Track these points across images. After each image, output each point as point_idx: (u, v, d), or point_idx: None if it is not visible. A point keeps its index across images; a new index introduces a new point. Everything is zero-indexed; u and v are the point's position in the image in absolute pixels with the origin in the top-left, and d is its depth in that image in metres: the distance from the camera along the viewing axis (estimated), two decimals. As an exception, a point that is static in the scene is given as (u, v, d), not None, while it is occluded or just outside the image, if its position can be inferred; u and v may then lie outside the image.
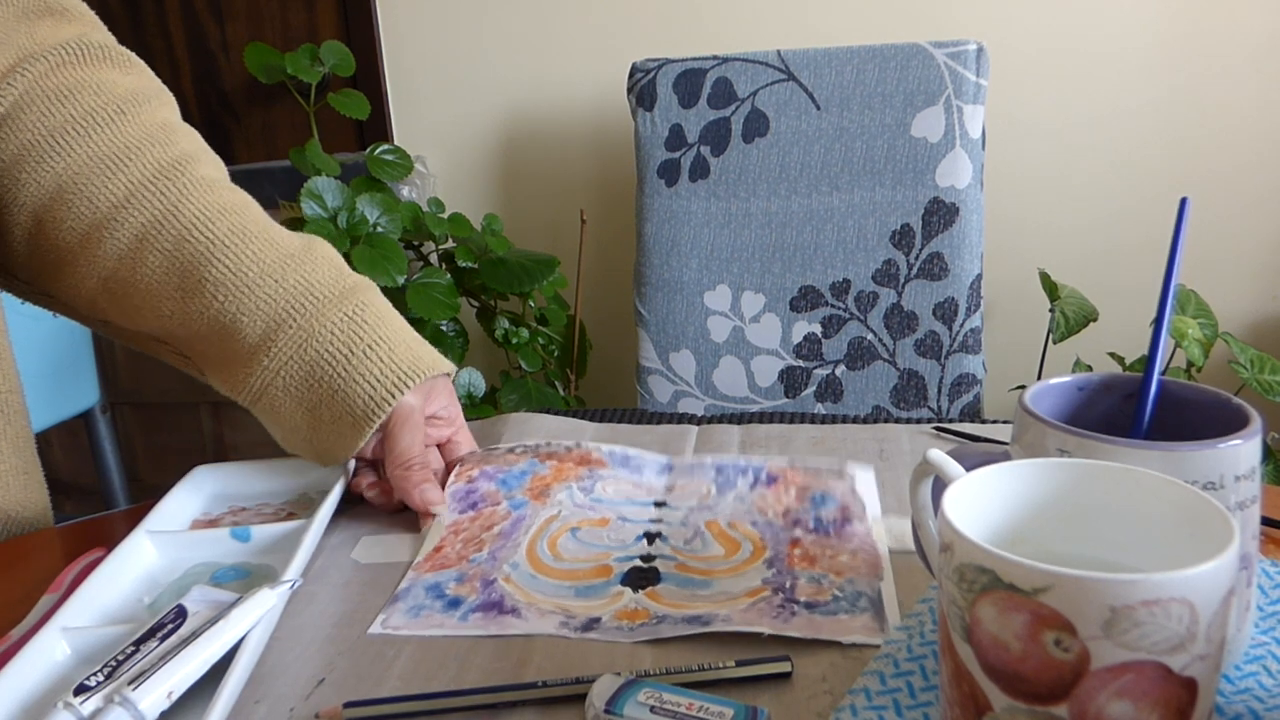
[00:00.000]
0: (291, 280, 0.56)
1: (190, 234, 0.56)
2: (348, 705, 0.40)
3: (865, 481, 0.58)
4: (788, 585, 0.48)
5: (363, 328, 0.56)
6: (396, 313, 0.60)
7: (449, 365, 0.61)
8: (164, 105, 0.63)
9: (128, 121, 0.59)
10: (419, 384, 0.57)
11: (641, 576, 0.50)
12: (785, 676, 0.41)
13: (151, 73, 0.65)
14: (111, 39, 0.63)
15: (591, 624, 0.46)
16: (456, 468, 0.61)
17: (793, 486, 0.58)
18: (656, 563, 0.51)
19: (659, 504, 0.58)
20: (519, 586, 0.49)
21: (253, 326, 0.56)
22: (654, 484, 0.60)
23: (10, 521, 0.63)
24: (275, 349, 0.55)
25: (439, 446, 0.63)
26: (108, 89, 0.60)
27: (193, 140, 0.62)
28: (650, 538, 0.54)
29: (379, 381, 0.56)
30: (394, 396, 0.56)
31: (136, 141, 0.58)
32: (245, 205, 0.59)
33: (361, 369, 0.55)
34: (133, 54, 0.63)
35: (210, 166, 0.61)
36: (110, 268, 0.57)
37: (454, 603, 0.48)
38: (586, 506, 0.57)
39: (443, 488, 0.58)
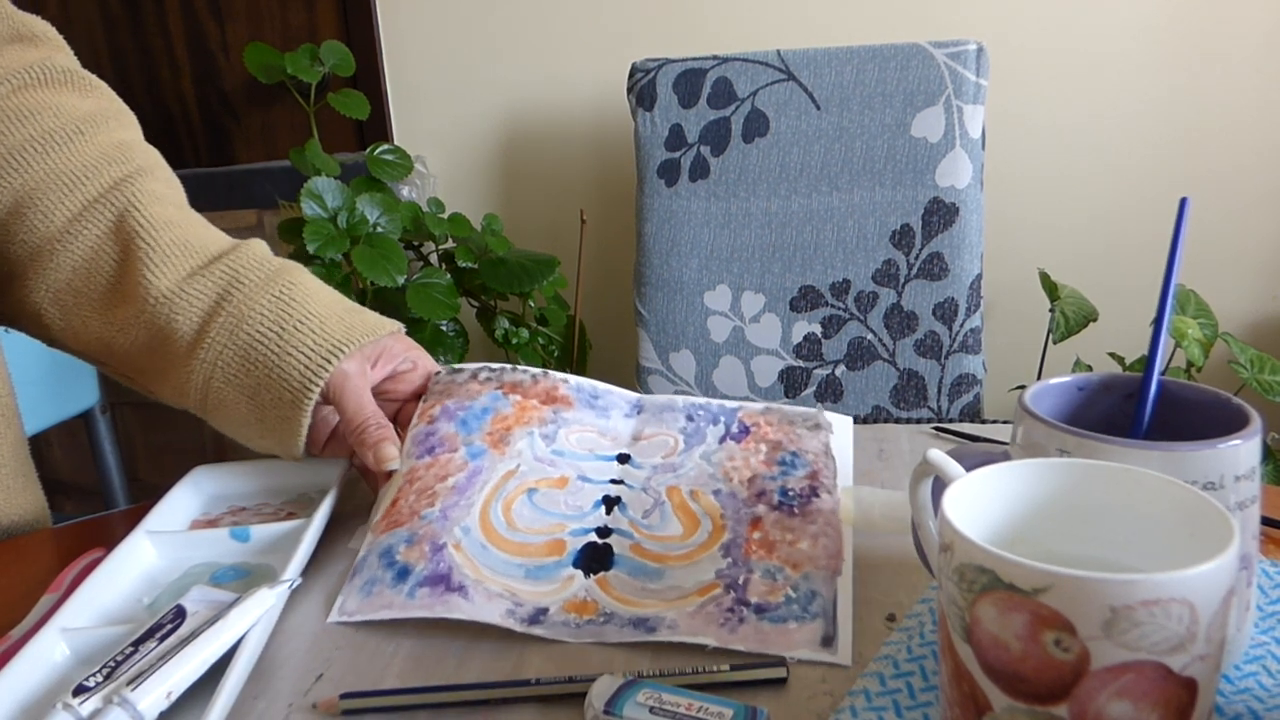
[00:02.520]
0: (219, 273, 0.57)
1: (133, 244, 0.58)
2: (344, 696, 0.41)
3: (842, 432, 0.58)
4: (741, 581, 0.47)
5: (291, 305, 0.57)
6: (329, 289, 0.61)
7: (390, 325, 0.60)
8: (123, 126, 0.64)
9: (85, 141, 0.60)
10: (353, 351, 0.57)
11: (595, 557, 0.50)
12: (781, 682, 0.41)
13: (114, 95, 0.66)
14: (75, 64, 0.65)
15: (539, 615, 0.46)
16: (420, 402, 0.60)
17: (764, 443, 0.57)
18: (612, 539, 0.51)
19: (623, 458, 0.57)
20: (468, 558, 0.49)
21: (188, 324, 0.57)
22: (620, 431, 0.59)
23: (8, 524, 0.63)
24: (209, 340, 0.56)
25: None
26: (67, 111, 0.61)
27: (148, 157, 0.63)
28: (609, 504, 0.53)
29: (312, 353, 0.56)
30: (327, 365, 0.56)
31: (94, 160, 0.60)
32: (187, 220, 0.61)
33: (293, 344, 0.56)
34: (95, 78, 0.65)
35: (161, 183, 0.62)
36: (63, 280, 0.59)
37: (403, 573, 0.48)
38: (546, 461, 0.56)
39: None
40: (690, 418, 0.59)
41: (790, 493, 0.53)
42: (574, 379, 0.61)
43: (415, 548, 0.49)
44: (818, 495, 0.53)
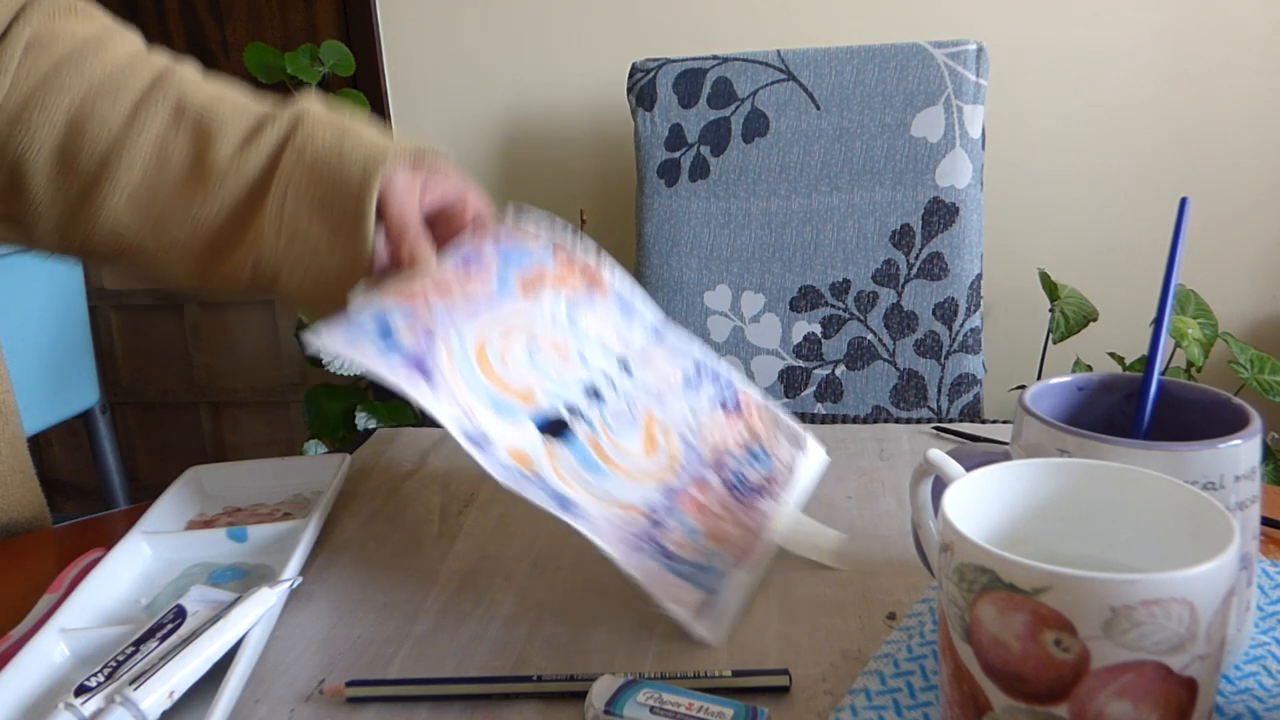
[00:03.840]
0: (284, 119, 0.61)
1: (200, 124, 0.61)
2: (350, 684, 0.41)
3: (811, 465, 0.57)
4: (663, 522, 0.48)
5: (348, 128, 0.61)
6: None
7: (440, 148, 0.63)
8: (130, 38, 0.66)
9: (110, 51, 0.63)
10: (404, 155, 0.59)
11: (554, 430, 0.50)
12: (784, 690, 0.41)
13: (111, 17, 0.68)
14: None
15: (483, 440, 0.46)
16: (472, 230, 0.60)
17: (746, 427, 0.56)
18: (579, 424, 0.51)
19: (623, 363, 0.56)
20: (451, 360, 0.49)
21: (260, 166, 0.60)
22: (632, 341, 0.58)
23: (6, 522, 0.63)
24: (280, 171, 0.59)
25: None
26: (81, 33, 0.64)
27: (165, 54, 0.66)
28: (592, 393, 0.53)
29: (367, 158, 0.59)
30: (380, 167, 0.58)
31: (126, 63, 0.62)
32: (233, 91, 0.64)
33: (351, 155, 0.59)
34: (91, 5, 0.67)
35: (189, 67, 0.65)
36: (136, 179, 0.60)
37: (388, 336, 0.48)
38: (559, 327, 0.55)
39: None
40: (698, 369, 0.59)
41: (743, 480, 0.53)
42: (620, 274, 0.60)
43: (410, 325, 0.49)
44: (763, 496, 0.53)
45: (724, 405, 0.57)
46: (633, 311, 0.59)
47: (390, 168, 0.58)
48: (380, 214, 0.58)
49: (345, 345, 0.47)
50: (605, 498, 0.47)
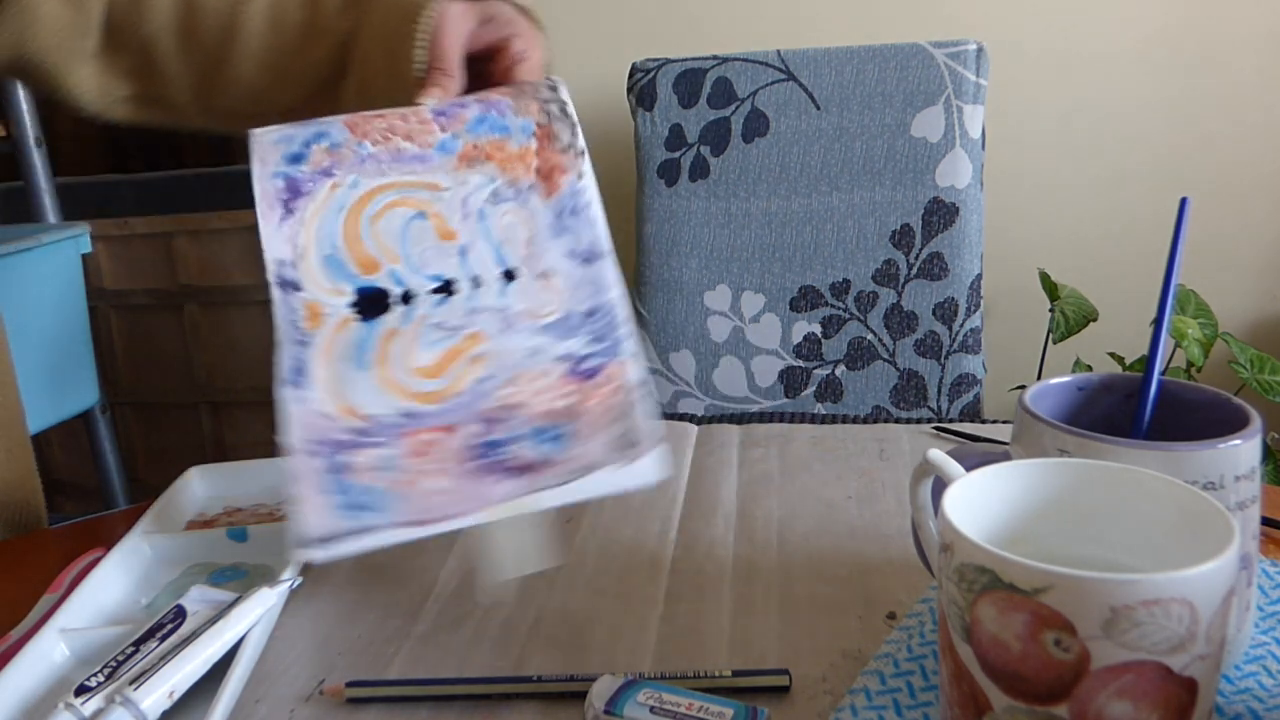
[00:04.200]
0: None
1: None
2: (350, 684, 0.41)
3: (623, 480, 0.47)
4: (367, 444, 0.45)
5: None
6: None
7: None
8: None
9: None
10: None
11: (370, 300, 0.48)
12: (784, 690, 0.41)
13: None
14: None
15: (291, 285, 0.47)
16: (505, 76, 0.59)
17: (575, 400, 0.48)
18: (397, 307, 0.49)
19: (509, 273, 0.51)
20: (323, 204, 0.49)
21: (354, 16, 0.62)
22: (542, 254, 0.53)
23: (10, 525, 0.63)
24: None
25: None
26: None
27: None
28: (442, 289, 0.50)
29: None
30: None
31: None
32: None
33: None
34: None
35: None
36: (257, 47, 0.62)
37: (298, 158, 0.50)
38: (462, 214, 0.52)
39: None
40: (587, 316, 0.52)
41: (498, 448, 0.47)
42: (588, 181, 0.55)
43: (323, 156, 0.50)
44: (514, 476, 0.46)
45: (575, 368, 0.49)
46: (570, 226, 0.54)
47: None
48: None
49: (257, 155, 0.48)
50: (337, 394, 0.45)
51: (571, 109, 0.56)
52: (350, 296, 0.48)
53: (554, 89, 0.57)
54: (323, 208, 0.49)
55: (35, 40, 0.62)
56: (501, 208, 0.53)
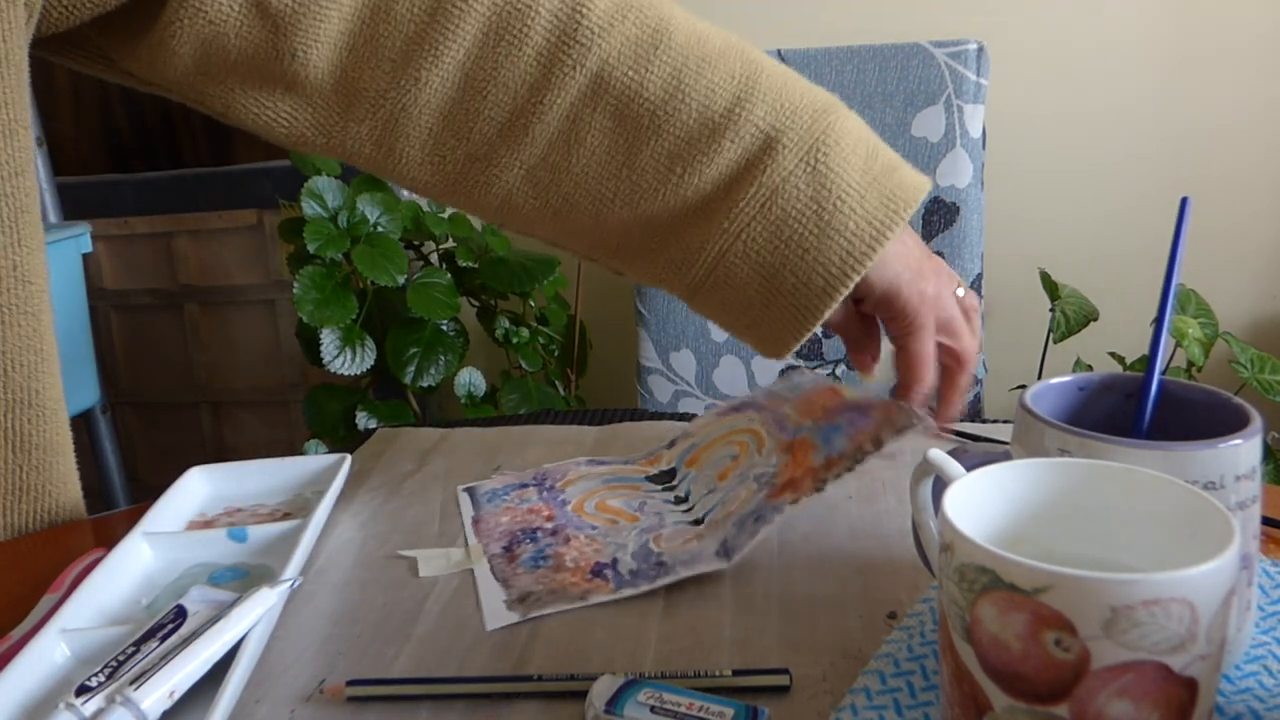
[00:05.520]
0: (747, 134, 0.50)
1: (627, 101, 0.50)
2: (350, 684, 0.41)
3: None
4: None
5: (828, 177, 0.49)
6: (861, 139, 0.51)
7: (925, 183, 0.51)
8: None
9: None
10: (898, 229, 0.49)
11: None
12: (784, 690, 0.41)
13: None
14: None
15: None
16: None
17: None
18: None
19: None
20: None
21: (708, 188, 0.50)
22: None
23: (50, 521, 0.62)
24: (737, 210, 0.49)
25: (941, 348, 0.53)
26: None
27: None
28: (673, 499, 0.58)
29: (855, 237, 0.48)
30: (871, 252, 0.48)
31: (516, 5, 0.51)
32: (661, 27, 0.51)
33: (834, 225, 0.48)
34: None
35: (594, 10, 0.51)
36: (539, 155, 0.52)
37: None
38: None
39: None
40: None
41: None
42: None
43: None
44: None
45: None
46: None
47: (880, 251, 0.48)
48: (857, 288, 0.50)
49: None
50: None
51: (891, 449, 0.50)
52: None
53: (908, 428, 0.50)
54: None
55: (220, 55, 0.52)
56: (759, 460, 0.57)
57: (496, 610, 0.48)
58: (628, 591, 0.48)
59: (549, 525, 0.56)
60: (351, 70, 0.52)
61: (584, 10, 0.50)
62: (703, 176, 0.50)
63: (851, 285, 0.50)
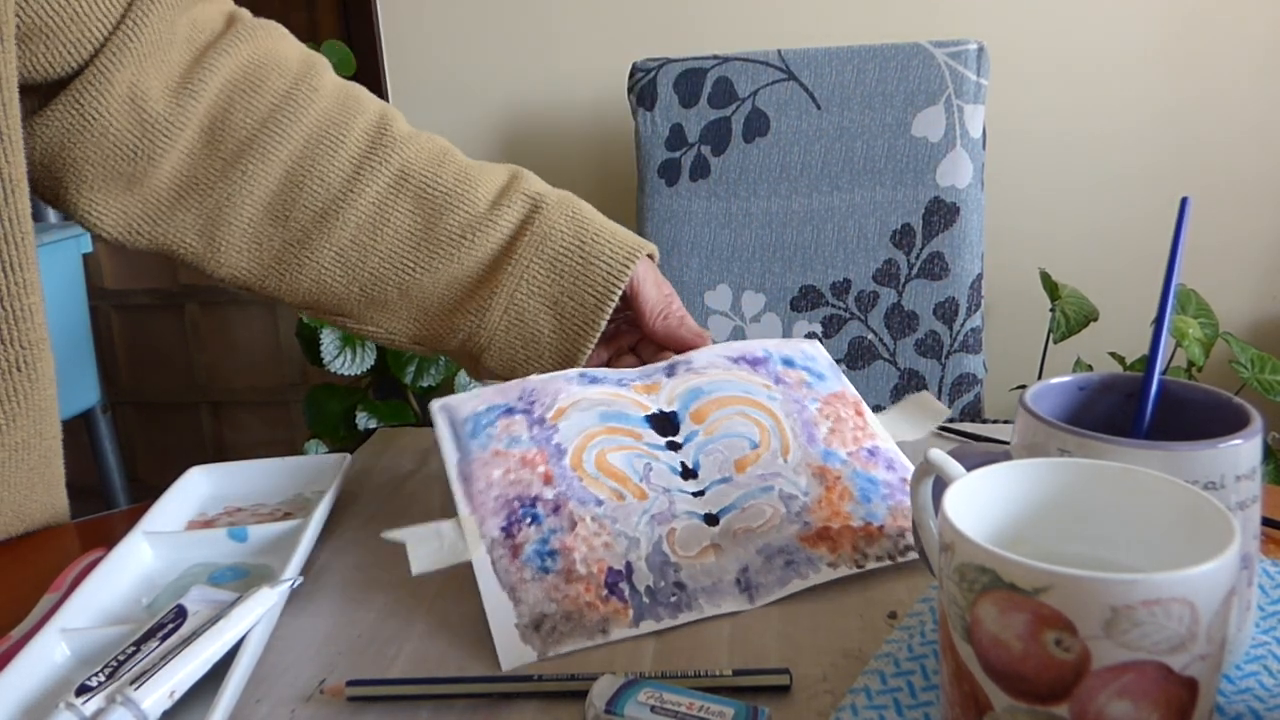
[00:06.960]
0: (519, 202, 0.64)
1: (425, 195, 0.62)
2: (351, 684, 0.41)
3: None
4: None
5: (585, 223, 0.64)
6: (599, 214, 0.68)
7: (652, 246, 0.67)
8: (326, 67, 0.66)
9: (318, 96, 0.63)
10: (642, 257, 0.64)
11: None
12: (784, 689, 0.41)
13: (276, 26, 0.68)
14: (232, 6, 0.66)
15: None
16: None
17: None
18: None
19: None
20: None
21: (494, 247, 0.63)
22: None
23: (30, 526, 0.62)
24: (516, 257, 0.62)
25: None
26: (282, 62, 0.63)
27: (369, 96, 0.66)
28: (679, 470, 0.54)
29: (612, 260, 0.63)
30: (627, 268, 0.63)
31: (336, 112, 0.63)
32: (442, 150, 0.65)
33: (594, 253, 0.63)
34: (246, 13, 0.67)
35: (399, 119, 0.65)
36: (348, 238, 0.62)
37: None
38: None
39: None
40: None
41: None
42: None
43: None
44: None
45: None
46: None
47: (633, 269, 0.62)
48: (623, 298, 0.63)
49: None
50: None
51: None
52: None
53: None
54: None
55: (80, 149, 0.58)
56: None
57: (510, 640, 0.45)
58: (648, 626, 0.46)
59: (549, 495, 0.50)
60: (188, 169, 0.61)
61: (390, 126, 0.64)
62: (489, 238, 0.63)
63: (616, 298, 0.63)
